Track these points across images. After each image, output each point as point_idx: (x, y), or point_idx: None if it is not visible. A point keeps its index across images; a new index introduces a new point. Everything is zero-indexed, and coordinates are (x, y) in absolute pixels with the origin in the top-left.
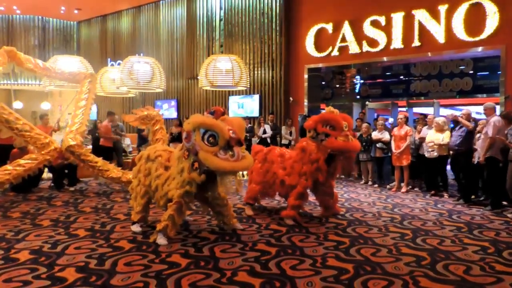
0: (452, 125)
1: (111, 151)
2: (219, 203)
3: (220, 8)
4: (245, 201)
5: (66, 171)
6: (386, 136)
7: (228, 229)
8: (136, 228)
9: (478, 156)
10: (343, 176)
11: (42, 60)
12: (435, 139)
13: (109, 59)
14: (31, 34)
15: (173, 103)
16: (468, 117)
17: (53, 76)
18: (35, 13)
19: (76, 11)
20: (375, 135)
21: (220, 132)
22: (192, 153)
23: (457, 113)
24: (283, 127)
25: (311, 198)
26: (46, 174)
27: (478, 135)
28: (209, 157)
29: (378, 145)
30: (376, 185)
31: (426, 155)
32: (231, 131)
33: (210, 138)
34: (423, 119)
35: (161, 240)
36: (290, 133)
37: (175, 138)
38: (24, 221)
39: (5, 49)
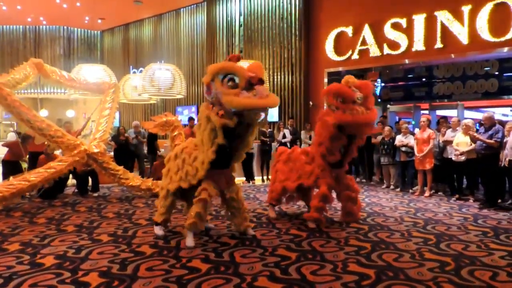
0: (477, 126)
1: None
2: (234, 205)
3: (240, 14)
4: (268, 202)
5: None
6: (411, 140)
7: (238, 231)
8: (159, 231)
9: (506, 158)
10: (364, 180)
11: (68, 69)
12: (462, 141)
13: (131, 67)
14: (56, 44)
15: (194, 109)
16: (491, 119)
17: (78, 87)
18: (60, 23)
19: (99, 21)
20: (399, 139)
21: (238, 72)
22: (216, 104)
23: (480, 116)
24: (302, 132)
25: (335, 204)
26: (71, 181)
27: (506, 138)
28: (231, 98)
29: (403, 148)
30: (398, 189)
31: (453, 159)
32: (250, 72)
33: (230, 82)
34: (445, 122)
35: (190, 241)
36: (310, 138)
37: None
38: (50, 226)
39: (33, 61)
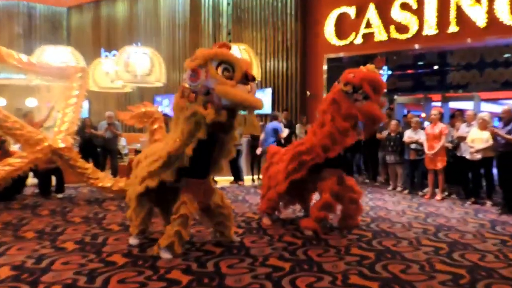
0: (498, 121)
1: None
2: (222, 212)
3: None
4: (263, 211)
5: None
6: (422, 136)
7: (226, 241)
8: (133, 240)
9: None
10: (367, 181)
11: (28, 51)
12: (478, 138)
13: (102, 50)
14: (15, 21)
15: None
16: (510, 113)
17: (40, 72)
18: None
19: None
20: (409, 136)
21: (236, 63)
22: (201, 94)
23: (499, 109)
24: (298, 125)
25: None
26: (31, 180)
27: None
28: (229, 90)
29: (412, 145)
30: (406, 192)
31: (467, 157)
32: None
33: (225, 72)
34: (460, 115)
35: (166, 254)
36: (306, 132)
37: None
38: (5, 232)
39: None
